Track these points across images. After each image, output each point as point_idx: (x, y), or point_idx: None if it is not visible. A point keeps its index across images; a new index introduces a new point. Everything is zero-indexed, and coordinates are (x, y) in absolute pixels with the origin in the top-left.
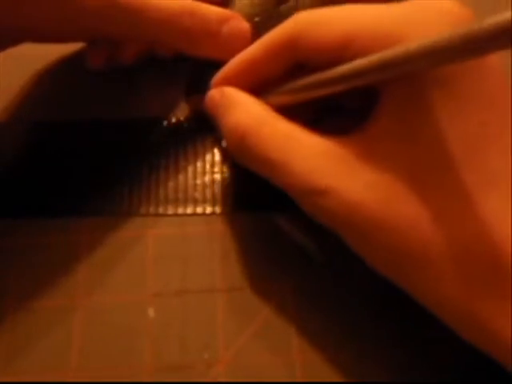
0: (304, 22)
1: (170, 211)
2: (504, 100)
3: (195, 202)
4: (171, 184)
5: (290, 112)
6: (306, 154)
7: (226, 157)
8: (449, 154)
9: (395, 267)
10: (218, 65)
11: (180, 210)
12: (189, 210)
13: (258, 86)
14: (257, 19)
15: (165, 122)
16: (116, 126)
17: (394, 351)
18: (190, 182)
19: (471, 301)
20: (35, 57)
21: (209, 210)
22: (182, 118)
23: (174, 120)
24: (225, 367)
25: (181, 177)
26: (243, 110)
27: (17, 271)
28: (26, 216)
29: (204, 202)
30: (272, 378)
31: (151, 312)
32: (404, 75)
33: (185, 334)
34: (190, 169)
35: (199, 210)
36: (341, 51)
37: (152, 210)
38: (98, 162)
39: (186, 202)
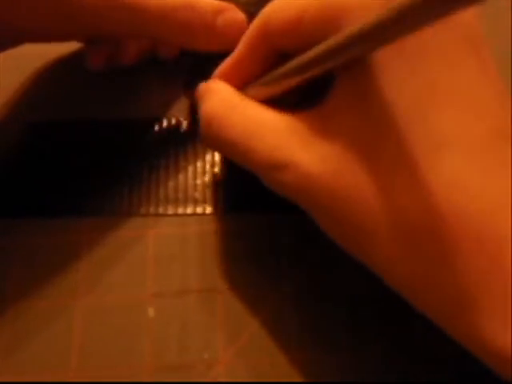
0: (268, 10)
1: (170, 211)
2: (459, 55)
3: (195, 202)
4: (171, 184)
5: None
6: (268, 132)
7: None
8: (397, 122)
9: (349, 238)
10: (216, 59)
11: (180, 210)
12: (189, 210)
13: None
14: (253, 9)
15: (165, 122)
16: (116, 126)
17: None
18: (190, 182)
19: (415, 270)
20: (34, 56)
21: (209, 210)
22: (181, 118)
23: (174, 120)
24: (225, 367)
25: (181, 177)
26: (216, 96)
27: (17, 271)
28: (26, 216)
29: (204, 202)
30: (272, 377)
31: (151, 312)
32: (356, 57)
33: (185, 333)
34: (190, 169)
35: (199, 210)
36: (298, 26)
37: (152, 210)
38: (98, 162)
39: (185, 202)
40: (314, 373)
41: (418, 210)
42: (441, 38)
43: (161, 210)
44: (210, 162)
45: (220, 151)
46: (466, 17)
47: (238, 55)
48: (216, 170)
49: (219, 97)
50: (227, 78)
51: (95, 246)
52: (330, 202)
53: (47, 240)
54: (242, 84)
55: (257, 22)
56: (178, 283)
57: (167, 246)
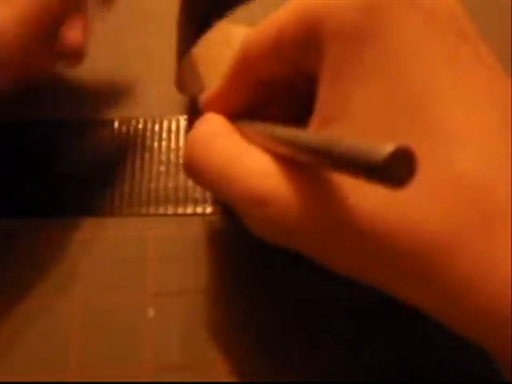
0: (247, 38)
1: (170, 211)
2: (455, 47)
3: (195, 202)
4: (171, 184)
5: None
6: (249, 165)
7: None
8: (398, 128)
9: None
10: None
11: (180, 210)
12: (189, 210)
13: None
14: None
15: (165, 122)
16: (115, 126)
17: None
18: (190, 182)
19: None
20: None
21: (209, 210)
22: (182, 118)
23: (174, 120)
24: (225, 367)
25: (181, 177)
26: (204, 125)
27: (16, 271)
28: (26, 216)
29: (204, 202)
30: (272, 377)
31: (151, 312)
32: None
33: (185, 333)
34: None
35: (199, 209)
36: (277, 47)
37: (152, 210)
38: (97, 162)
39: (185, 202)
40: (313, 370)
41: (439, 218)
42: (431, 33)
43: (161, 210)
44: None
45: (200, 182)
46: (455, 10)
47: (222, 86)
48: None
49: (206, 125)
50: (214, 109)
51: (95, 246)
52: (318, 237)
53: (47, 240)
54: (231, 113)
55: (237, 51)
56: (177, 283)
57: (167, 246)
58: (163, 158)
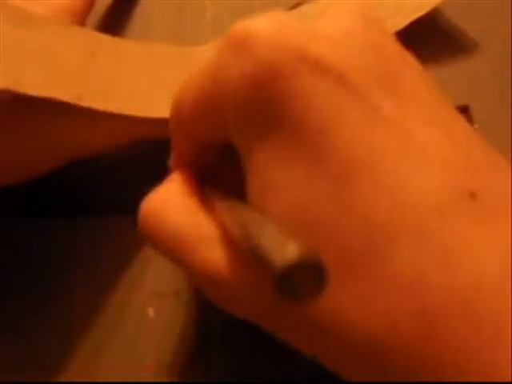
0: (176, 98)
1: None
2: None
3: None
4: None
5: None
6: (202, 239)
7: None
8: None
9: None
10: None
11: None
12: None
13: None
14: None
15: None
16: None
17: None
18: None
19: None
20: None
21: None
22: None
23: None
24: (225, 367)
25: None
26: (163, 188)
27: (16, 271)
28: (26, 216)
29: None
30: (272, 377)
31: (151, 312)
32: None
33: (185, 333)
34: None
35: None
36: (201, 110)
37: None
38: (97, 162)
39: None
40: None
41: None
42: (346, 100)
43: None
44: None
45: (157, 249)
46: (368, 60)
47: (173, 146)
48: None
49: (160, 192)
50: (179, 168)
51: (95, 246)
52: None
53: (47, 240)
54: (197, 171)
55: (171, 112)
56: (178, 283)
57: None
58: (163, 157)
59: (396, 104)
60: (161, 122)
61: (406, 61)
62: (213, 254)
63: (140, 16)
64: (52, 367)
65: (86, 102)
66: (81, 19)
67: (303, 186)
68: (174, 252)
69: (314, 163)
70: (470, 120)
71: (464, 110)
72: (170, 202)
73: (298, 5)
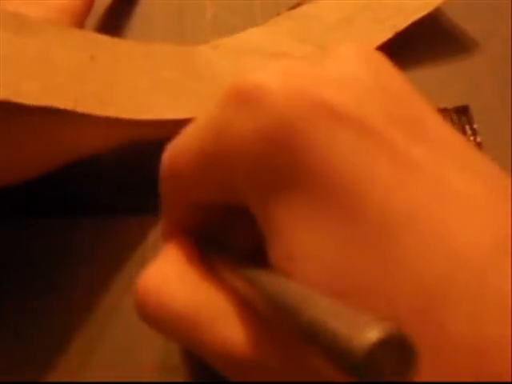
0: (167, 158)
1: None
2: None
3: None
4: None
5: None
6: (216, 317)
7: None
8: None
9: None
10: None
11: None
12: None
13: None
14: None
15: None
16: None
17: None
18: None
19: None
20: None
21: None
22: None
23: None
24: None
25: None
26: (159, 262)
27: (16, 271)
28: (26, 216)
29: None
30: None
31: None
32: None
33: None
34: None
35: None
36: (203, 170)
37: (152, 210)
38: (97, 162)
39: None
40: None
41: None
42: (370, 150)
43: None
44: None
45: (159, 330)
46: (389, 107)
47: (164, 211)
48: None
49: (157, 268)
50: (171, 239)
51: (95, 246)
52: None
53: (47, 240)
54: (193, 237)
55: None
56: None
57: None
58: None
59: (425, 149)
60: (160, 124)
61: (422, 102)
62: (230, 332)
63: (140, 16)
64: (52, 367)
65: (82, 108)
66: (80, 19)
67: (337, 251)
68: (181, 332)
69: (348, 224)
70: (470, 120)
71: (464, 110)
72: (170, 278)
73: (298, 5)
